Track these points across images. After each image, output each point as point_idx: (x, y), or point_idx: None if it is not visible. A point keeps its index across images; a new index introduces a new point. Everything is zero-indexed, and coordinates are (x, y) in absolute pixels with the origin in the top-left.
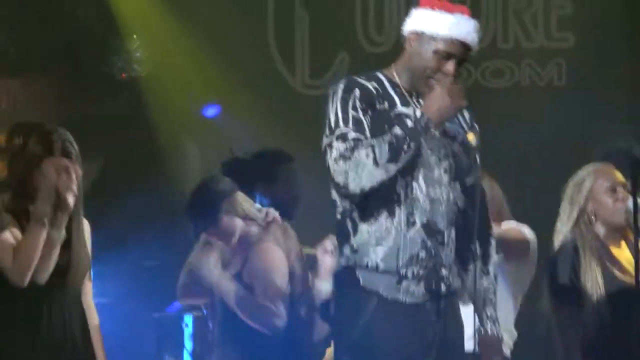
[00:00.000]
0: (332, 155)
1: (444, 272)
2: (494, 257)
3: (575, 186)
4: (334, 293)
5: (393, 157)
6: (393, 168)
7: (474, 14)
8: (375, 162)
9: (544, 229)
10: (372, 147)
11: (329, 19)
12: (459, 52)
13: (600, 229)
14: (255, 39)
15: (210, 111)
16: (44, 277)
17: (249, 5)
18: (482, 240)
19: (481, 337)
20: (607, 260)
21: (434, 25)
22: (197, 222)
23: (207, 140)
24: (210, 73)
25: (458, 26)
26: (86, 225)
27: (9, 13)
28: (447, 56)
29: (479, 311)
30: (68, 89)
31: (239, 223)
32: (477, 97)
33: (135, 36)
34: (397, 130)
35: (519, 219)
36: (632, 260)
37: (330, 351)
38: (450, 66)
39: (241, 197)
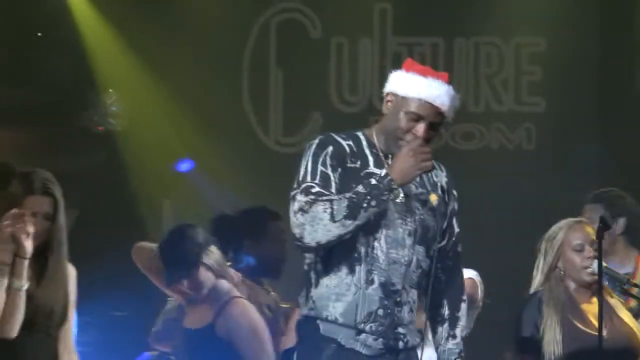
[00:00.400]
0: (293, 208)
1: (401, 330)
2: (463, 322)
3: (548, 241)
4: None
5: (351, 213)
6: (350, 224)
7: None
8: (332, 218)
9: (509, 285)
10: (331, 202)
11: (303, 78)
12: (430, 114)
13: (570, 284)
14: (230, 96)
15: (184, 166)
16: (13, 330)
17: (224, 64)
18: (452, 304)
19: None
20: (573, 315)
21: (406, 87)
22: (173, 269)
23: (181, 195)
24: (185, 128)
25: (428, 89)
26: (72, 271)
27: None
28: (418, 118)
29: None
30: (45, 142)
31: (211, 276)
32: (447, 158)
33: (111, 90)
34: (360, 187)
35: (484, 275)
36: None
37: None
38: (420, 128)
39: (215, 250)
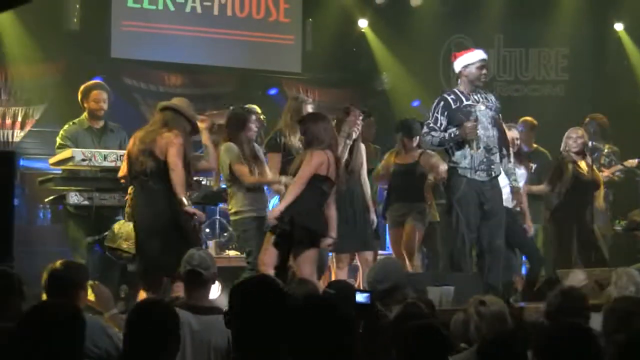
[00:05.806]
0: (422, 131)
1: (494, 168)
2: (511, 156)
3: (566, 136)
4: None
5: (439, 144)
6: (438, 145)
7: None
8: (432, 142)
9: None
10: (432, 136)
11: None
12: (485, 63)
13: (571, 153)
14: (432, 70)
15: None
16: None
17: (430, 55)
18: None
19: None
20: (576, 165)
21: (473, 57)
22: None
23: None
24: (411, 86)
25: (480, 54)
26: None
27: None
28: (482, 66)
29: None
30: (354, 97)
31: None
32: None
33: (384, 73)
34: (446, 134)
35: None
36: (585, 166)
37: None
38: (485, 70)
39: None
